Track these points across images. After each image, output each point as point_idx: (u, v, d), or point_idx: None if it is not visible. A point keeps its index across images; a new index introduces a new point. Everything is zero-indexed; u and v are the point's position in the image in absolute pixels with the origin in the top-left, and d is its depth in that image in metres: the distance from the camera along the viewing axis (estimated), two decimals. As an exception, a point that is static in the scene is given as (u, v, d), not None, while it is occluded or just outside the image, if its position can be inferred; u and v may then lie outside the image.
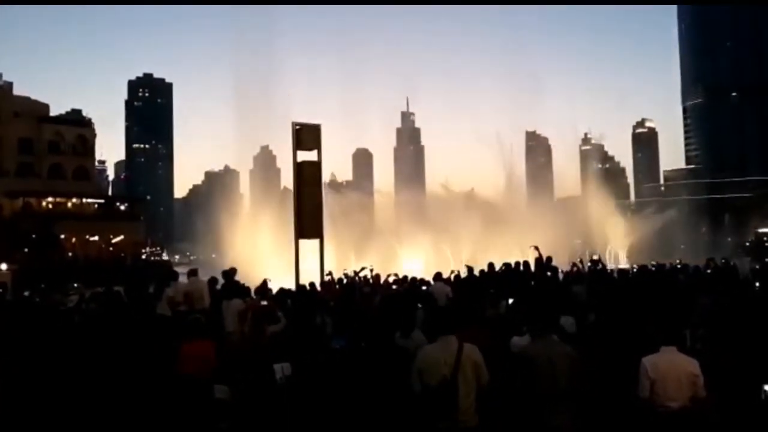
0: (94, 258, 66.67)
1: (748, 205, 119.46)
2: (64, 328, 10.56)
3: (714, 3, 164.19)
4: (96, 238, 71.24)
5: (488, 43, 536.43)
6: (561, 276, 14.93)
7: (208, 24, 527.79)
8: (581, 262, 15.44)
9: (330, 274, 17.25)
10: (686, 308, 9.52)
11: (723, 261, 20.59)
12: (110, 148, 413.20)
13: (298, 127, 17.87)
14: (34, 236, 62.55)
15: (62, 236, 67.62)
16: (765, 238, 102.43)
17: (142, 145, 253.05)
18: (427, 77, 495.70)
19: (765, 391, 6.29)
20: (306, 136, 17.70)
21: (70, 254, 66.73)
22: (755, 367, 6.69)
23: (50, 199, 73.35)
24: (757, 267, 20.81)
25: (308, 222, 17.02)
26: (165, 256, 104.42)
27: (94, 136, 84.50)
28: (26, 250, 59.14)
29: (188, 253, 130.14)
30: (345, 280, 16.55)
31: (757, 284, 13.68)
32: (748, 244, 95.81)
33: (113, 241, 72.74)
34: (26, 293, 15.66)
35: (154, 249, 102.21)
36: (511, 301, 11.29)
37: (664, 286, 13.43)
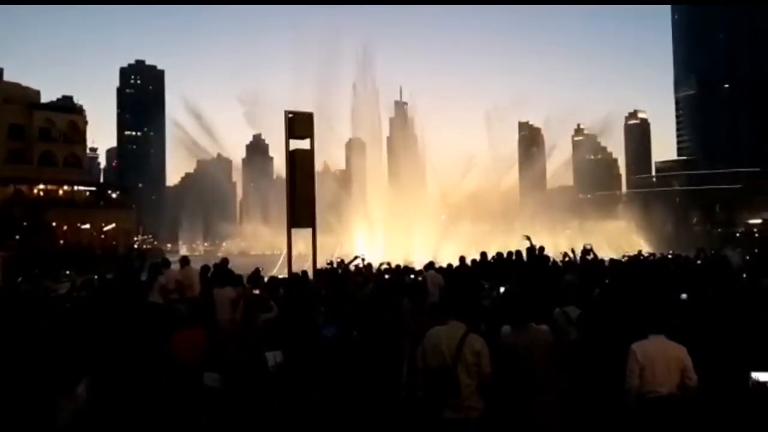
0: (86, 246, 66.48)
1: (738, 197, 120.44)
2: (55, 316, 10.52)
3: (709, 3, 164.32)
4: (87, 225, 70.98)
5: (483, 35, 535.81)
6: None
7: (201, 11, 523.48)
8: (573, 251, 15.46)
9: (330, 263, 17.16)
10: (672, 298, 9.60)
11: (713, 252, 20.68)
12: (102, 135, 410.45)
13: (290, 115, 17.82)
14: (25, 223, 62.22)
15: (53, 224, 67.32)
16: (755, 229, 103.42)
17: (133, 133, 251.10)
18: (421, 67, 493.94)
19: (752, 378, 6.36)
20: (299, 124, 17.66)
21: (61, 242, 66.50)
22: (742, 357, 6.75)
23: (41, 186, 72.91)
24: (747, 258, 20.91)
25: (301, 211, 17.00)
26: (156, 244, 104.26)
27: (86, 123, 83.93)
28: (17, 237, 58.84)
29: (180, 242, 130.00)
30: (339, 270, 16.53)
31: (744, 275, 13.71)
32: (738, 235, 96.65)
33: (105, 229, 72.48)
34: (19, 280, 15.59)
35: (146, 237, 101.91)
36: (503, 290, 11.34)
37: (654, 276, 13.49)
